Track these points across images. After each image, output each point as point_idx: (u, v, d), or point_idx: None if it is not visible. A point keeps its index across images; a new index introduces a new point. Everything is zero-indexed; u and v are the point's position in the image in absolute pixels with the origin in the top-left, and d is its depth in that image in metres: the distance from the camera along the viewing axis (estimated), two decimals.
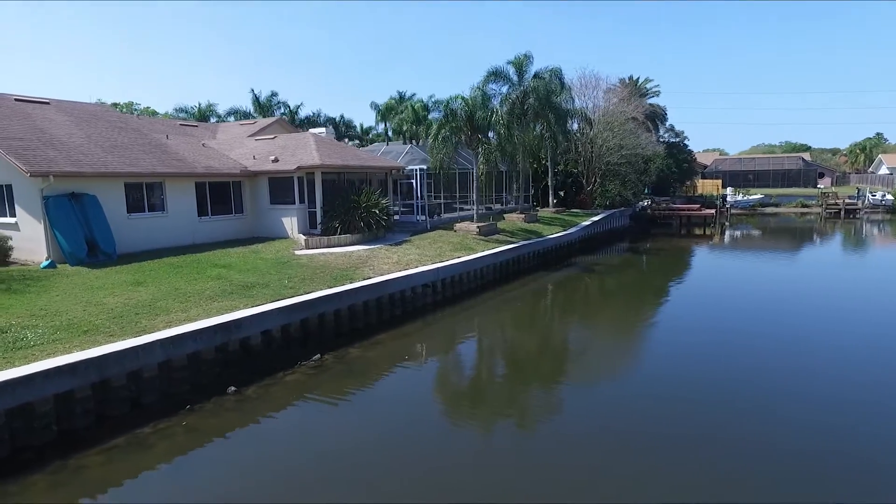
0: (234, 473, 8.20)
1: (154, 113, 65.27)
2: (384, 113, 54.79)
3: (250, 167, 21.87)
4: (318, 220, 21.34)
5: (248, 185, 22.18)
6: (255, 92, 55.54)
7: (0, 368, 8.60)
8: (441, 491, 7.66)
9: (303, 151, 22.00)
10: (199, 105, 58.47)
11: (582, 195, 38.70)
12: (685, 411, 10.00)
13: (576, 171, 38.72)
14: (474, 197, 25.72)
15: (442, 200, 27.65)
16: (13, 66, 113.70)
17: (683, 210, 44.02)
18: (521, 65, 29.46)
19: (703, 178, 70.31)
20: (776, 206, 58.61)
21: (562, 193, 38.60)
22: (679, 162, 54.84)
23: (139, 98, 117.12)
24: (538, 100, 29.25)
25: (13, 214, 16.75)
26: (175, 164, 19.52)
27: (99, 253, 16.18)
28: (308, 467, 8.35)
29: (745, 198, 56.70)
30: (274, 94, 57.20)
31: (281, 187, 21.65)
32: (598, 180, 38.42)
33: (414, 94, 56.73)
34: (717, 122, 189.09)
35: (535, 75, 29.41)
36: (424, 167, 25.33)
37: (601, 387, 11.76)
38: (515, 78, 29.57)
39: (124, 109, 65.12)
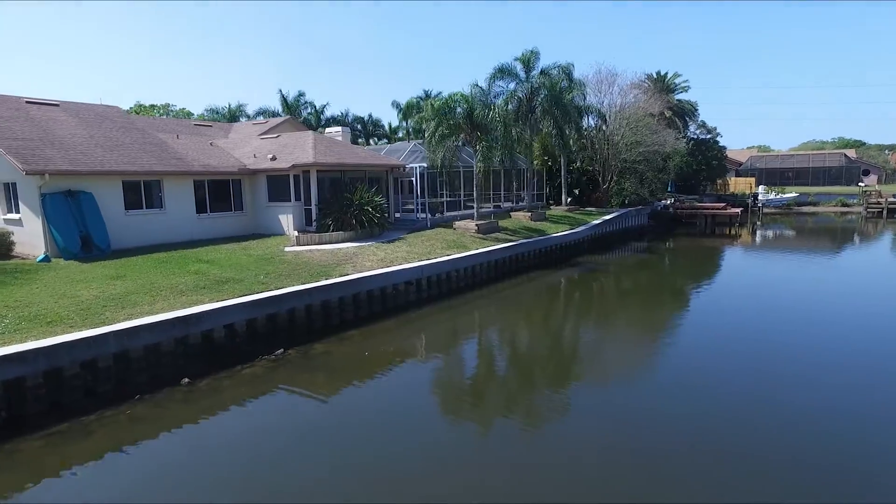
0: (158, 464, 8.42)
1: (189, 114, 67.50)
2: (406, 111, 55.14)
3: (250, 165, 22.37)
4: (314, 217, 21.64)
5: (247, 183, 22.68)
6: (283, 92, 56.83)
7: None
8: (374, 490, 7.64)
9: (300, 150, 22.34)
10: (230, 106, 60.31)
11: (597, 193, 37.92)
12: (686, 423, 9.40)
13: (591, 168, 37.95)
14: (475, 195, 25.53)
15: (445, 199, 27.58)
16: (51, 69, 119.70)
17: (707, 209, 42.55)
18: (528, 61, 29.14)
19: (738, 175, 67.86)
20: (814, 204, 55.96)
21: (577, 192, 37.91)
22: (708, 159, 53.11)
23: (175, 100, 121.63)
24: (546, 97, 28.85)
25: (17, 211, 17.64)
26: (173, 162, 20.14)
27: (93, 248, 16.87)
28: (235, 461, 8.46)
29: (779, 196, 54.35)
30: (301, 95, 58.42)
31: (278, 185, 22.05)
32: (615, 178, 37.55)
33: (440, 93, 57.02)
34: (762, 119, 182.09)
35: (542, 72, 29.00)
36: (424, 165, 25.32)
37: (570, 395, 11.51)
38: (523, 74, 29.27)
39: (160, 112, 67.73)
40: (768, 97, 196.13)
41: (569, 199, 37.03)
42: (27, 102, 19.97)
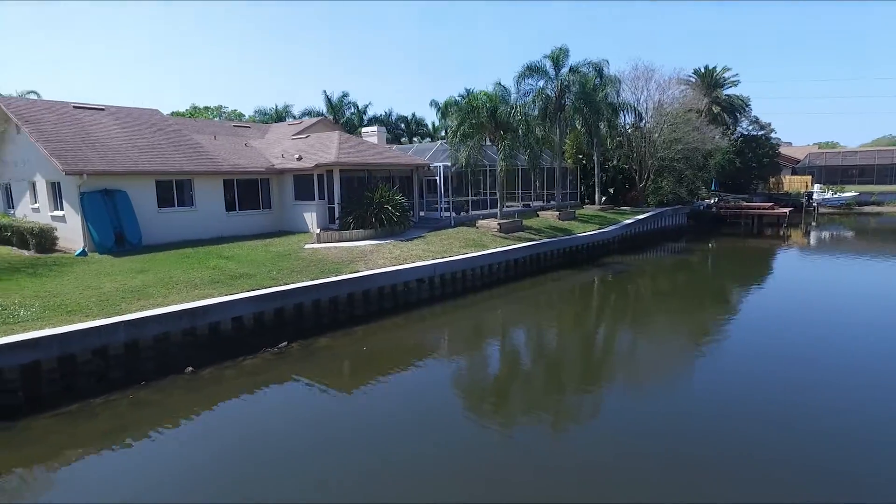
0: (153, 443, 9.01)
1: (240, 115, 70.39)
2: (444, 110, 55.50)
3: (277, 165, 23.23)
4: (336, 215, 22.24)
5: (275, 183, 23.55)
6: (328, 93, 58.33)
7: None
8: (356, 482, 7.92)
9: (324, 150, 23.00)
10: (276, 107, 62.46)
11: (633, 192, 37.03)
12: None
13: (627, 167, 37.08)
14: (498, 194, 25.51)
15: (470, 197, 27.67)
16: (111, 73, 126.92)
17: (753, 208, 40.74)
18: (557, 58, 28.81)
19: (794, 174, 64.47)
20: (877, 204, 52.53)
21: (611, 191, 37.15)
22: (759, 157, 50.76)
23: (228, 102, 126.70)
24: (575, 94, 28.47)
25: (61, 208, 19.04)
26: (204, 162, 21.19)
27: (125, 243, 18.01)
28: (225, 448, 8.94)
29: (836, 195, 51.34)
30: (345, 95, 59.72)
31: (303, 184, 22.80)
32: (651, 177, 36.55)
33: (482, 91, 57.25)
34: (829, 113, 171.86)
35: (572, 69, 28.60)
36: (448, 164, 25.51)
37: (567, 397, 11.47)
38: (552, 72, 28.95)
39: (214, 114, 70.86)
40: (836, 90, 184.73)
41: (603, 199, 36.36)
42: (74, 107, 21.48)
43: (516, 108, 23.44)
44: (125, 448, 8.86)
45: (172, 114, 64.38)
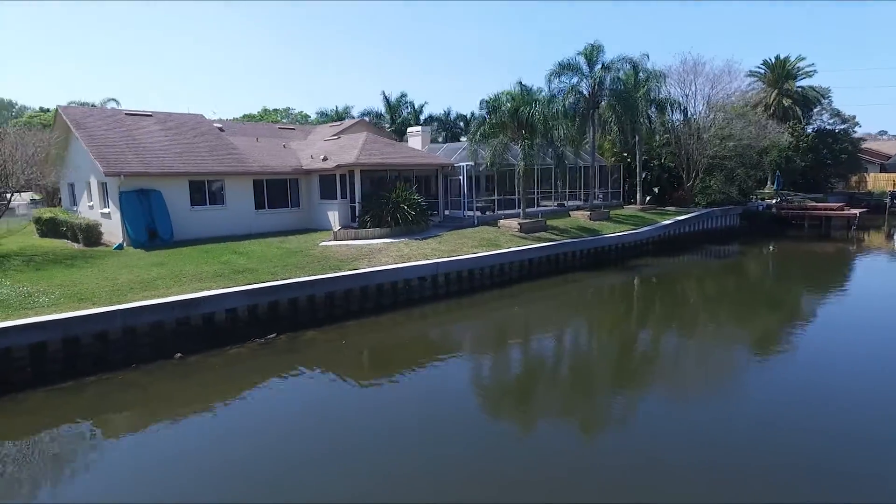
0: (132, 417, 10.05)
1: (305, 117, 73.78)
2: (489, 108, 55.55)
3: (305, 166, 24.41)
4: (357, 213, 23.07)
5: (304, 182, 24.76)
6: (386, 94, 60.04)
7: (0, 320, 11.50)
8: (315, 477, 8.50)
9: (348, 151, 23.90)
10: (336, 108, 64.97)
11: (679, 191, 35.42)
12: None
13: (672, 165, 35.52)
14: (518, 193, 25.39)
15: (496, 197, 27.68)
16: (183, 81, 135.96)
17: (819, 209, 37.74)
18: (591, 55, 28.16)
19: (883, 170, 58.80)
20: None
21: (656, 190, 35.76)
22: (835, 153, 46.83)
23: (298, 104, 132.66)
24: (609, 91, 27.77)
25: (108, 206, 21.08)
26: (234, 164, 22.68)
27: (157, 238, 19.70)
28: (185, 425, 9.86)
29: None
30: (403, 95, 61.10)
31: (328, 184, 23.82)
32: (700, 175, 34.79)
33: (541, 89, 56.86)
34: None
35: (604, 65, 27.89)
36: (472, 163, 25.70)
37: (567, 399, 11.54)
38: (586, 69, 28.35)
39: (283, 116, 74.76)
40: None
41: (647, 198, 35.11)
42: (126, 114, 23.66)
43: (536, 106, 23.19)
44: (100, 420, 9.96)
45: (244, 117, 68.78)
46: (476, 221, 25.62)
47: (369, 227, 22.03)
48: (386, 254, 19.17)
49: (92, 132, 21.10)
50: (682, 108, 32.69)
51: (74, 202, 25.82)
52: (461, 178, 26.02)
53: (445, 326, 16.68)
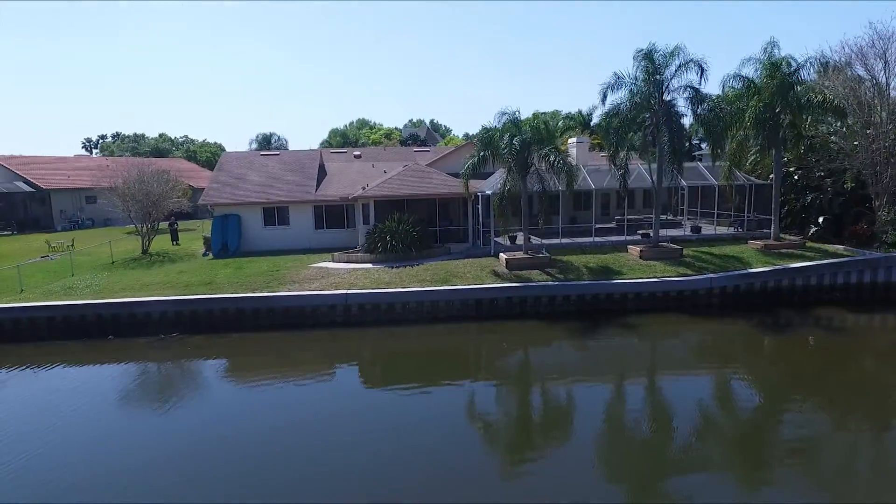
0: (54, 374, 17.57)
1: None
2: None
3: (349, 194, 28.91)
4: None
5: (355, 207, 29.33)
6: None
7: (36, 300, 20.69)
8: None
9: (372, 182, 27.31)
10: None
11: (860, 224, 24.66)
12: None
13: (852, 186, 24.92)
14: (522, 223, 23.83)
15: (515, 226, 26.13)
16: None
17: None
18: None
19: None
20: None
21: (821, 220, 25.86)
22: None
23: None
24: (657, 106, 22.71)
25: None
26: (299, 194, 29.01)
27: (227, 250, 27.77)
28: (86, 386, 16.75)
29: None
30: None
31: (363, 210, 27.79)
32: (891, 201, 23.56)
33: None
34: None
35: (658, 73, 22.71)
36: (488, 192, 25.38)
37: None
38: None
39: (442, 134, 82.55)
40: None
41: (812, 230, 26.09)
42: (261, 155, 32.76)
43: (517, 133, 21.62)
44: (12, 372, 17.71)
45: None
46: (492, 251, 25.48)
47: (360, 253, 25.20)
48: (330, 279, 22.31)
49: (221, 172, 30.71)
50: (840, 109, 22.95)
51: None
52: (469, 205, 26.13)
53: (327, 351, 18.85)
